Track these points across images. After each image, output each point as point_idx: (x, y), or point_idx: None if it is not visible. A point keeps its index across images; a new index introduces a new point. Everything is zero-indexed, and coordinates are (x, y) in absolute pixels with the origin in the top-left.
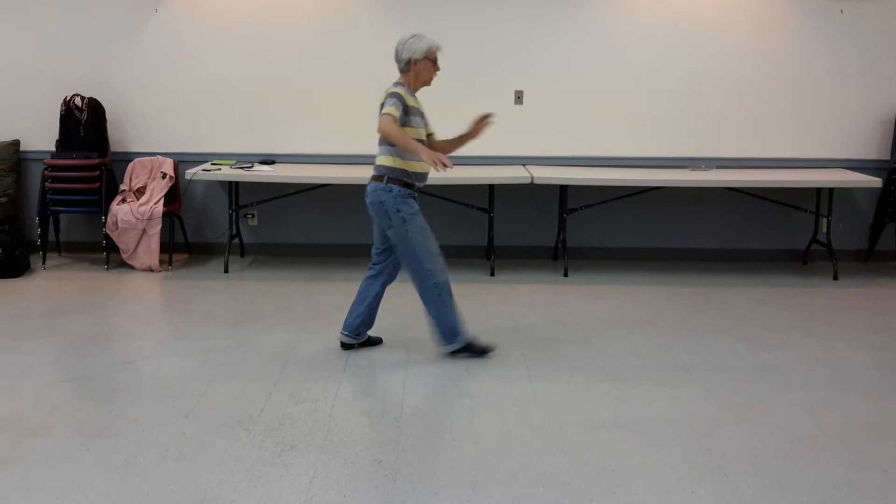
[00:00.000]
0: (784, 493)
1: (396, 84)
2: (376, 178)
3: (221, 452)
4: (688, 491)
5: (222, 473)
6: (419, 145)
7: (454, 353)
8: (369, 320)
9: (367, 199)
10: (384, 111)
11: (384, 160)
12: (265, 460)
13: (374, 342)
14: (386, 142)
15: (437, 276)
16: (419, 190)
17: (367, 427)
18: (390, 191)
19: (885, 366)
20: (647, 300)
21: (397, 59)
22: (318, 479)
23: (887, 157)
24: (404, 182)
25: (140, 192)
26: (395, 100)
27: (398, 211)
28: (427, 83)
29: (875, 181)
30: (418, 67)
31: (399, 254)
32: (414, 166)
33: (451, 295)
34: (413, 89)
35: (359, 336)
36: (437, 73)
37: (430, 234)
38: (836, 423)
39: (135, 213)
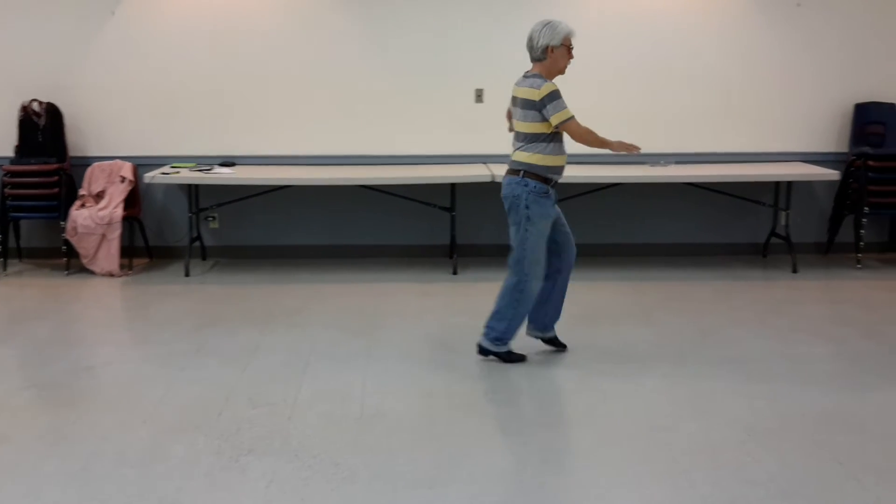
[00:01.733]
0: (741, 485)
1: (535, 76)
2: (513, 171)
3: (179, 458)
4: (645, 486)
5: (179, 479)
6: (607, 138)
7: (486, 355)
8: (555, 314)
9: (503, 192)
10: (564, 118)
11: (525, 157)
12: (222, 465)
13: (559, 345)
14: (530, 139)
15: (530, 283)
16: (555, 184)
17: (326, 430)
18: (526, 185)
19: (843, 358)
20: (608, 295)
21: (532, 48)
22: (275, 484)
23: (845, 149)
24: (542, 178)
25: (99, 196)
26: (560, 100)
27: (527, 208)
28: (562, 71)
29: (833, 174)
30: (556, 55)
31: (513, 243)
32: (555, 160)
33: (528, 306)
34: (548, 78)
35: (546, 330)
36: (571, 60)
37: (543, 243)
38: (794, 415)
39: (94, 218)
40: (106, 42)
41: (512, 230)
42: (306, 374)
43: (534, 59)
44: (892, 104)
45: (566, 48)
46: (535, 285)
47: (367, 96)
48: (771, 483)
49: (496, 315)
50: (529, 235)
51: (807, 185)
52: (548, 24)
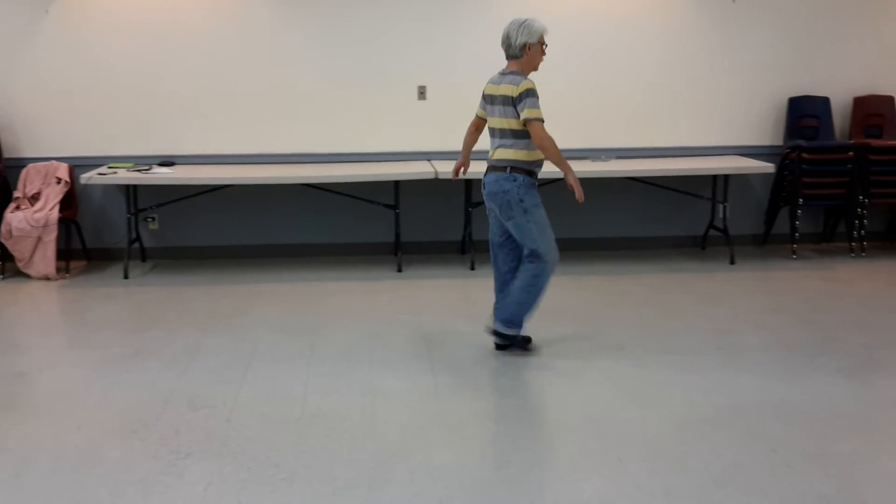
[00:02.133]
0: (676, 474)
1: (514, 73)
2: (497, 168)
3: (114, 463)
4: (582, 477)
5: (114, 484)
6: (568, 165)
7: (501, 340)
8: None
9: (488, 190)
10: (533, 117)
11: (510, 153)
12: (159, 469)
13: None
14: (513, 135)
15: (547, 269)
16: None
17: (266, 431)
18: (514, 180)
19: (776, 347)
20: (550, 290)
21: (510, 46)
22: (213, 487)
23: (780, 142)
24: (528, 171)
25: (35, 198)
26: (535, 99)
27: (521, 201)
28: (536, 68)
29: (768, 167)
30: (532, 52)
31: (519, 240)
32: (537, 155)
33: (542, 291)
34: (525, 75)
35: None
36: (545, 57)
37: (549, 228)
38: (728, 404)
39: (29, 221)
40: (40, 41)
41: (511, 228)
42: (247, 376)
43: (510, 57)
44: (824, 98)
45: (541, 45)
46: (551, 268)
47: (309, 94)
48: (706, 471)
49: (511, 301)
50: (533, 225)
51: (743, 178)
52: (524, 23)
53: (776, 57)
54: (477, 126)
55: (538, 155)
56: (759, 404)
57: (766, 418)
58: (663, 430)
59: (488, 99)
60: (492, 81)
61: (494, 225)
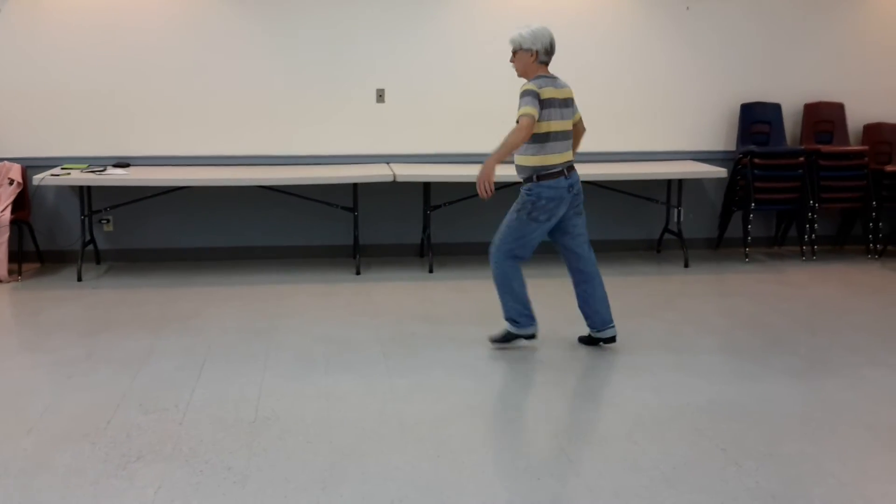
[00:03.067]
0: (627, 473)
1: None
2: (573, 166)
3: (64, 467)
4: (534, 477)
5: (63, 489)
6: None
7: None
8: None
9: (579, 186)
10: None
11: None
12: (109, 473)
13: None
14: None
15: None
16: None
17: (219, 434)
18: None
19: (727, 349)
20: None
21: (554, 51)
22: (163, 490)
23: (733, 147)
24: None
25: None
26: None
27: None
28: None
29: (721, 171)
30: None
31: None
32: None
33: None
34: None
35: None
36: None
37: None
38: (678, 405)
39: None
40: None
41: (582, 220)
42: (201, 379)
43: (549, 63)
44: (776, 104)
45: None
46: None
47: (266, 95)
48: (655, 470)
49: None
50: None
51: (697, 183)
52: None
53: (728, 63)
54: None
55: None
56: (710, 405)
57: (716, 419)
58: (614, 430)
59: (550, 102)
60: (550, 85)
61: (581, 224)
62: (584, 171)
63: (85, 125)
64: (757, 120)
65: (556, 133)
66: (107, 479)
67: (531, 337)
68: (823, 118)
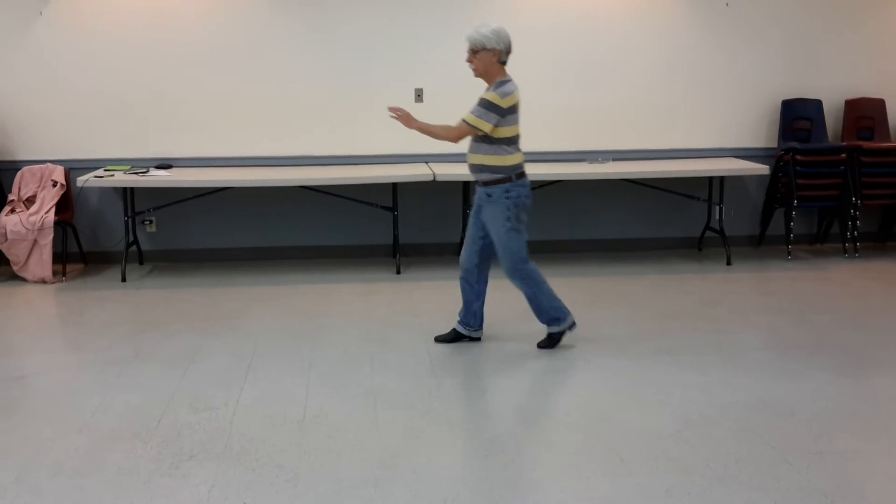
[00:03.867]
0: (678, 473)
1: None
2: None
3: (116, 466)
4: (585, 476)
5: (117, 488)
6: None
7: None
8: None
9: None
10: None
11: None
12: (162, 472)
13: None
14: None
15: None
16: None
17: (269, 432)
18: None
19: (773, 347)
20: None
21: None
22: (217, 488)
23: (775, 144)
24: None
25: (30, 201)
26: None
27: None
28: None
29: (763, 168)
30: None
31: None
32: None
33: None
34: None
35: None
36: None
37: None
38: (727, 403)
39: (25, 224)
40: (34, 42)
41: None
42: (248, 377)
43: (506, 63)
44: (817, 100)
45: None
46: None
47: (308, 96)
48: (706, 469)
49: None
50: None
51: (739, 180)
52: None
53: (769, 59)
54: None
55: None
56: (758, 403)
57: (765, 416)
58: (663, 429)
59: (515, 108)
60: (517, 90)
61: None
62: (625, 168)
63: (127, 127)
64: (798, 116)
65: (519, 136)
66: (160, 478)
67: (573, 326)
68: (864, 114)
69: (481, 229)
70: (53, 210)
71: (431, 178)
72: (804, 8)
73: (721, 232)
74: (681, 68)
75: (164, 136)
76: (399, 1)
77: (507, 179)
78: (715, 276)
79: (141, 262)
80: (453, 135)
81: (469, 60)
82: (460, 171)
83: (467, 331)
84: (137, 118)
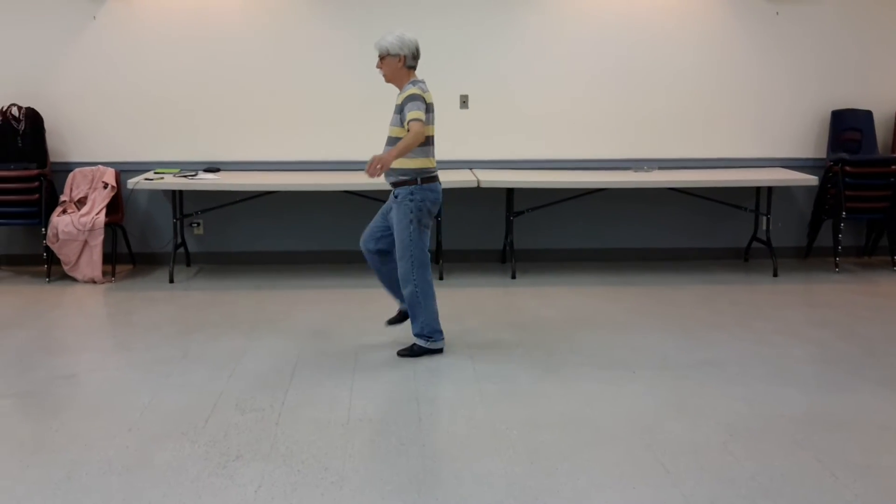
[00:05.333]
0: (723, 485)
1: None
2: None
3: (165, 465)
4: (630, 486)
5: (166, 486)
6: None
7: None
8: None
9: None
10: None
11: None
12: (210, 471)
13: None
14: None
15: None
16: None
17: (314, 435)
18: None
19: (820, 360)
20: (593, 300)
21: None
22: (263, 489)
23: (823, 155)
24: None
25: (81, 202)
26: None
27: None
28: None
29: (812, 179)
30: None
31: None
32: None
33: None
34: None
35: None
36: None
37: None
38: (773, 415)
39: (76, 224)
40: (87, 46)
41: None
42: (293, 380)
43: (416, 67)
44: (867, 111)
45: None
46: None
47: (352, 102)
48: (752, 482)
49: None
50: None
51: (787, 191)
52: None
53: (819, 69)
54: None
55: None
56: (805, 416)
57: (812, 430)
58: (709, 441)
59: (432, 108)
60: (428, 90)
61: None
62: (671, 177)
63: (177, 131)
64: (848, 127)
65: (432, 137)
66: (207, 477)
67: (439, 352)
68: None
69: (387, 228)
70: (104, 211)
71: (475, 185)
72: (855, 18)
73: (768, 243)
74: (729, 77)
75: (212, 140)
76: (445, 7)
77: (413, 182)
78: (761, 288)
79: (188, 264)
80: (415, 139)
81: (378, 66)
82: (505, 178)
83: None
84: (187, 122)
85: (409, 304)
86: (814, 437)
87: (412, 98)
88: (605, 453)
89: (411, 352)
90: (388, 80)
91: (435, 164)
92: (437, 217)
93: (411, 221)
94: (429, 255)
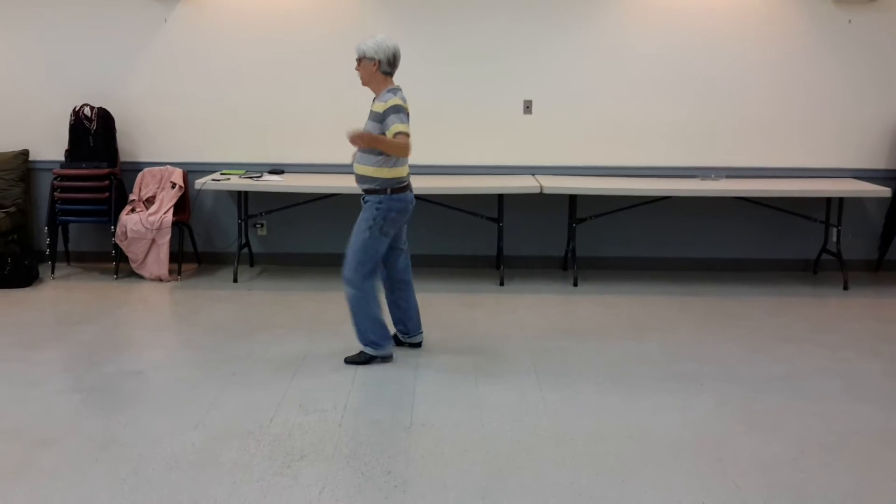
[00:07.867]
0: (795, 502)
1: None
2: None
3: (231, 463)
4: (698, 501)
5: (231, 484)
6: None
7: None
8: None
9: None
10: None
11: None
12: (274, 471)
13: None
14: None
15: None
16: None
17: (377, 437)
18: None
19: (893, 375)
20: (657, 310)
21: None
22: (327, 490)
23: None
24: None
25: (149, 201)
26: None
27: None
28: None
29: (884, 191)
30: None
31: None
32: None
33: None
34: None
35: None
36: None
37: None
38: (846, 432)
39: (144, 223)
40: (158, 48)
41: (405, 230)
42: (356, 382)
43: (392, 74)
44: None
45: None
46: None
47: (416, 106)
48: (824, 499)
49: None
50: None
51: (858, 202)
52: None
53: (893, 77)
54: None
55: None
56: (878, 433)
57: (886, 447)
58: (779, 457)
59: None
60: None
61: (405, 235)
62: (739, 186)
63: (243, 133)
64: None
65: None
66: (272, 477)
67: (388, 358)
68: None
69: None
70: (171, 211)
71: (538, 191)
72: None
73: (838, 255)
74: (800, 85)
75: (277, 143)
76: (510, 12)
77: (382, 191)
78: (831, 301)
79: (251, 264)
80: (398, 151)
81: (356, 68)
82: (567, 184)
83: (404, 338)
84: (253, 124)
85: (349, 306)
86: (888, 456)
87: (397, 109)
88: (672, 467)
89: (359, 358)
90: (363, 83)
91: (408, 172)
92: (498, 223)
93: (371, 227)
94: (379, 264)
